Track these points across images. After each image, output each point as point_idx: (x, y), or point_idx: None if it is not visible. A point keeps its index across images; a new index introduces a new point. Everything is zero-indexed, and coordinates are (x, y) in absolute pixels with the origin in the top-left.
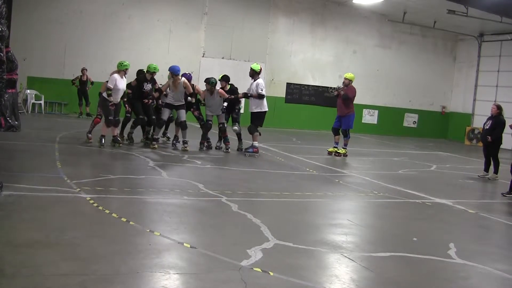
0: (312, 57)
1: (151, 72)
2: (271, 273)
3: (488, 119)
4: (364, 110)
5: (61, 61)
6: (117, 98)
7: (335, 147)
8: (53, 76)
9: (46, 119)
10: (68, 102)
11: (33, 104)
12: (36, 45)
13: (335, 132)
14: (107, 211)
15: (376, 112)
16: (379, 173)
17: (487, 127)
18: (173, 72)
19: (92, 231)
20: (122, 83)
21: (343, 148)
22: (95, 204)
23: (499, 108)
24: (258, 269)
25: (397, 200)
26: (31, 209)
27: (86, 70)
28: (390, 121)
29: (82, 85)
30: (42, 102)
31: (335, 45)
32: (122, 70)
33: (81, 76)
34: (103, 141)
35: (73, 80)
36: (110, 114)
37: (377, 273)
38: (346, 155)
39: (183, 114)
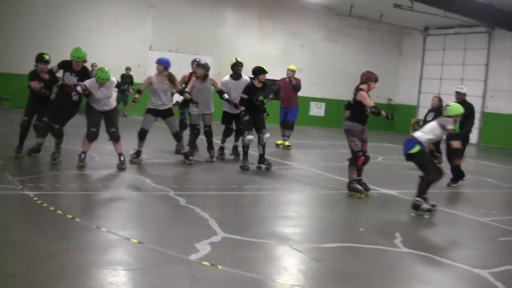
0: (260, 51)
1: None
2: (220, 267)
3: (429, 111)
4: (311, 102)
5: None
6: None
7: (284, 139)
8: None
9: None
10: (10, 96)
11: None
12: None
13: (284, 125)
14: (52, 208)
15: (323, 104)
16: (326, 165)
17: (429, 119)
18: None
19: (37, 229)
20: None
21: (286, 140)
22: (40, 201)
23: (440, 100)
24: (207, 263)
25: (344, 192)
26: None
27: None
28: (337, 113)
29: None
30: None
31: (283, 38)
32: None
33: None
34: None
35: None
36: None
37: (325, 264)
38: (289, 147)
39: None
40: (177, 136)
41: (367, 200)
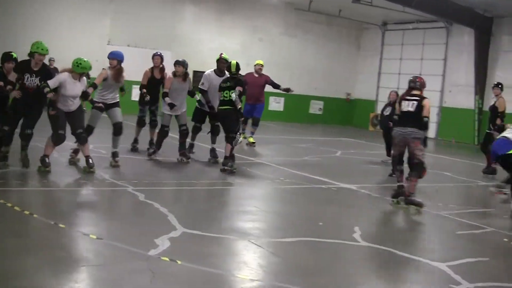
0: (219, 46)
1: None
2: (179, 262)
3: (386, 106)
4: (270, 97)
5: None
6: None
7: (244, 133)
8: None
9: None
10: None
11: None
12: None
13: (246, 121)
14: (9, 205)
15: (282, 99)
16: (286, 159)
17: (387, 114)
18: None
19: None
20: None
21: (251, 136)
22: None
23: (398, 95)
24: (166, 258)
25: (303, 186)
26: None
27: None
28: (296, 108)
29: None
30: None
31: (242, 33)
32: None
33: None
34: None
35: None
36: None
37: (284, 258)
38: (255, 144)
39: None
40: (117, 129)
41: (327, 195)
